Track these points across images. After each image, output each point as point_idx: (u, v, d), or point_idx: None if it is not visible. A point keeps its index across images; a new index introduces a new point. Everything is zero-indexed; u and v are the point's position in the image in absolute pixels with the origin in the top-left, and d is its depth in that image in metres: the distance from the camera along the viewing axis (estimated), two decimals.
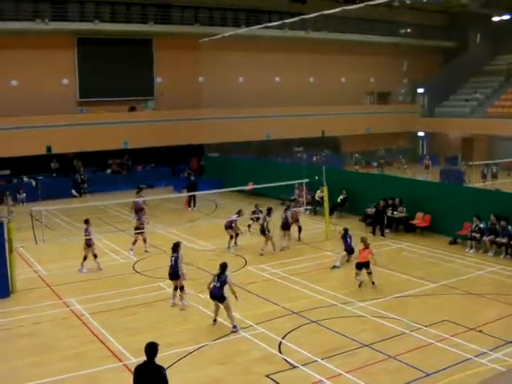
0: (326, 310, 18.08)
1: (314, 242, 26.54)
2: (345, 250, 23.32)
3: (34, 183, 42.47)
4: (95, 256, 23.16)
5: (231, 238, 26.18)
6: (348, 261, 23.04)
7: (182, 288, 18.73)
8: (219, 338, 16.06)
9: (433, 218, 27.55)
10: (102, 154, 46.74)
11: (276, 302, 18.80)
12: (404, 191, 29.22)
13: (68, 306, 19.13)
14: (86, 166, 45.33)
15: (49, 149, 42.67)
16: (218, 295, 16.60)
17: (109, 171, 47.31)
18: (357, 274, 20.55)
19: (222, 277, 16.70)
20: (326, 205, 27.98)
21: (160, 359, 10.45)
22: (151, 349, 10.12)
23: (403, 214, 28.38)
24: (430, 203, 27.74)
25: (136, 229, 25.66)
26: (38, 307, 19.05)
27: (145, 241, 25.82)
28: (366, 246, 20.59)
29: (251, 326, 16.85)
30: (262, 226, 25.28)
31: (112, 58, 46.90)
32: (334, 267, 22.64)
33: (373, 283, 20.24)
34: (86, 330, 17.05)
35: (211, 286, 16.73)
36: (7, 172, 43.38)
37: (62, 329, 17.27)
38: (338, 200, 31.27)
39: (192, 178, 37.20)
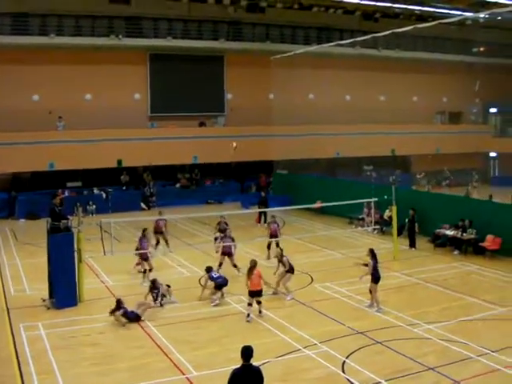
0: (391, 330, 17.78)
1: (380, 262, 25.98)
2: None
3: (104, 195, 43.20)
4: (150, 270, 23.42)
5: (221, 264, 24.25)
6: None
7: None
8: (283, 356, 15.93)
9: (503, 241, 26.78)
10: (171, 168, 47.39)
11: (341, 321, 18.60)
12: (474, 213, 28.56)
13: None
14: (155, 180, 46.00)
15: (119, 162, 43.43)
16: None
17: (178, 185, 47.80)
18: (249, 305, 18.83)
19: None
20: (395, 224, 27.63)
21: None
22: (248, 351, 10.48)
23: (472, 236, 27.76)
24: (501, 226, 26.98)
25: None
26: (103, 317, 19.24)
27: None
28: (254, 268, 18.98)
29: (315, 344, 16.68)
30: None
31: (183, 74, 47.61)
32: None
33: (260, 312, 19.05)
34: (151, 341, 17.19)
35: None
36: (78, 184, 44.30)
37: (126, 339, 17.47)
38: (406, 220, 30.56)
39: (263, 194, 37.19)
